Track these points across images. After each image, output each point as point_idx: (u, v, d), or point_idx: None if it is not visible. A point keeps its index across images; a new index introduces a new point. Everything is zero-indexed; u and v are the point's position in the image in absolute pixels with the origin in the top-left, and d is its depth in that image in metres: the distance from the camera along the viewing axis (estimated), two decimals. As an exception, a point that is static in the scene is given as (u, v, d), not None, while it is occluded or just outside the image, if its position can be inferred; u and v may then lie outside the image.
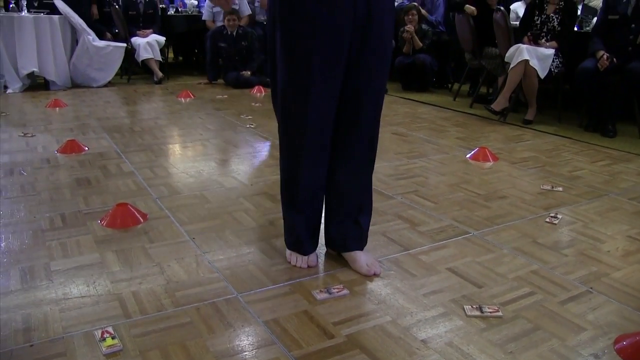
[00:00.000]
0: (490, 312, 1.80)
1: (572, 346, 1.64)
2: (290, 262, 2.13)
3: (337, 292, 1.91)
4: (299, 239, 2.08)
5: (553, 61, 4.77)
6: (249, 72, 6.48)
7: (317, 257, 2.16)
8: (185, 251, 2.22)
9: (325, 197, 2.08)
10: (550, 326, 1.74)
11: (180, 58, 9.00)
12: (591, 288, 1.99)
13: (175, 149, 3.79)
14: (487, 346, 1.63)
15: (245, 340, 1.64)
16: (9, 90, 5.92)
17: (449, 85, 6.84)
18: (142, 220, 2.53)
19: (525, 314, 1.80)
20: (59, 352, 1.58)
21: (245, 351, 1.59)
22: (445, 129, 4.58)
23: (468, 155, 3.68)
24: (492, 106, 4.84)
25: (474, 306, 1.83)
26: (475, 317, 1.78)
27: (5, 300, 1.83)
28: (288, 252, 2.17)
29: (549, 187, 3.08)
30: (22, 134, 4.07)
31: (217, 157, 3.61)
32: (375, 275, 2.04)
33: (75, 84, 6.33)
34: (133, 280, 1.98)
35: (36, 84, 6.32)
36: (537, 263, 2.17)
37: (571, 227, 2.55)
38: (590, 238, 2.43)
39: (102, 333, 1.66)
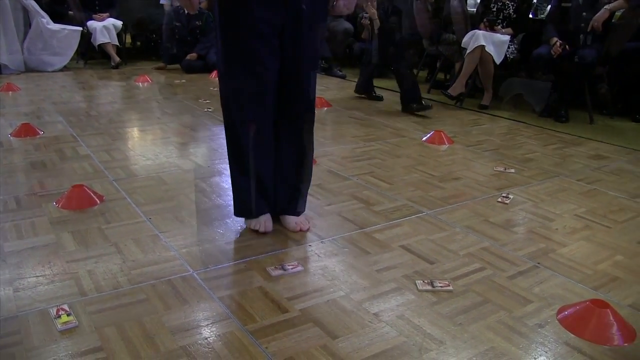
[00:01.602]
0: (441, 287, 1.86)
1: (518, 317, 1.71)
2: (249, 227, 2.22)
3: (292, 268, 1.94)
4: (248, 200, 2.19)
5: (508, 47, 4.88)
6: (195, 55, 6.40)
7: (271, 223, 2.23)
8: (142, 231, 2.22)
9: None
10: (498, 299, 1.81)
11: (139, 43, 8.84)
12: (538, 263, 2.07)
13: (133, 132, 3.76)
14: (437, 318, 1.68)
15: (201, 315, 1.66)
16: (-41, 74, 5.76)
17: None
18: (98, 201, 2.51)
19: (475, 288, 1.87)
20: (13, 330, 1.57)
21: (200, 326, 1.61)
22: (402, 113, 4.64)
23: (424, 138, 3.74)
24: (448, 91, 4.93)
25: (426, 281, 1.89)
26: (427, 291, 1.83)
27: (-44, 281, 1.80)
28: (246, 221, 2.26)
29: (502, 169, 3.17)
30: (-27, 118, 3.97)
31: (174, 140, 3.59)
32: (302, 231, 2.23)
33: (29, 69, 6.17)
34: (89, 259, 1.98)
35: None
36: (488, 240, 2.24)
37: (522, 206, 2.64)
38: (539, 217, 2.52)
39: (58, 310, 1.66)
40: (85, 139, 3.50)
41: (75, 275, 1.87)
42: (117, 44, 6.66)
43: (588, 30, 4.52)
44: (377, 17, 6.26)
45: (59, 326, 1.59)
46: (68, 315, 1.64)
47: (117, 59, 6.58)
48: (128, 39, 8.97)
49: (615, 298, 1.85)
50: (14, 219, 2.30)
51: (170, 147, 3.41)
